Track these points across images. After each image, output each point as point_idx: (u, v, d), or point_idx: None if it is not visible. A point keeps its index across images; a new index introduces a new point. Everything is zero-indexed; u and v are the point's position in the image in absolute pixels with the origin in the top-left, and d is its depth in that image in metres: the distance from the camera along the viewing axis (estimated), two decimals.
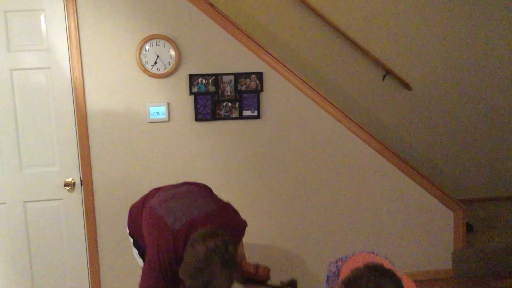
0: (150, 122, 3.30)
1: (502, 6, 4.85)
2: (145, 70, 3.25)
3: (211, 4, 3.30)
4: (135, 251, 2.51)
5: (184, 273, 1.99)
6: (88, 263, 3.35)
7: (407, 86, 4.75)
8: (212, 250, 1.97)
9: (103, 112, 3.25)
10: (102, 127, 3.26)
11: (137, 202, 2.56)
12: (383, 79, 4.72)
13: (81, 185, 3.28)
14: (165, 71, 3.26)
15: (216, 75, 3.31)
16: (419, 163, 4.66)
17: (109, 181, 3.30)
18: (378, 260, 2.03)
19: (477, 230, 4.21)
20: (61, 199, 3.28)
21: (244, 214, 3.46)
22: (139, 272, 3.37)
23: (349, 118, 3.50)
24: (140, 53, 3.22)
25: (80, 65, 3.19)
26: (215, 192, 2.61)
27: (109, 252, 3.37)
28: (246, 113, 3.39)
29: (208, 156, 3.40)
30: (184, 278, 2.00)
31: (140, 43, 3.22)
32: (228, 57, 3.32)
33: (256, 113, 3.39)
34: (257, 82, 3.35)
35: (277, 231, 3.56)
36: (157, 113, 3.29)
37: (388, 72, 4.68)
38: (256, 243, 3.54)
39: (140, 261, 2.47)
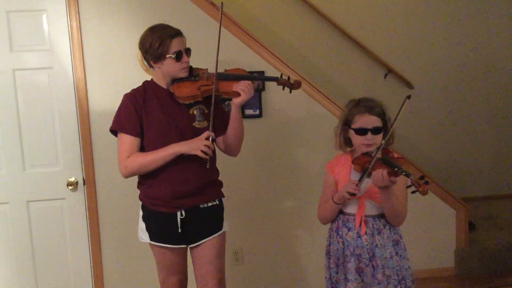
0: None
1: (505, 4, 4.84)
2: (147, 70, 3.25)
3: (212, 4, 3.30)
4: (142, 225, 2.51)
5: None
6: (91, 262, 3.36)
7: (408, 85, 4.75)
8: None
9: (106, 112, 3.25)
10: (104, 126, 3.24)
11: None
12: (385, 78, 4.72)
13: (84, 184, 3.29)
14: None
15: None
16: (421, 161, 4.66)
17: (112, 181, 3.31)
18: None
19: (480, 228, 4.20)
20: (64, 198, 3.29)
21: (245, 212, 3.48)
22: (142, 271, 3.40)
23: None
24: None
25: (82, 65, 3.20)
26: None
27: (112, 251, 3.38)
28: (248, 112, 3.40)
29: None
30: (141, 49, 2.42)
31: None
32: (230, 56, 3.32)
33: (258, 112, 3.40)
34: (259, 81, 3.35)
35: (279, 229, 3.56)
36: None
37: (389, 71, 4.68)
38: (257, 240, 3.55)
39: (145, 237, 2.49)
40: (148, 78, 3.20)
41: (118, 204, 3.34)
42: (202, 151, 2.29)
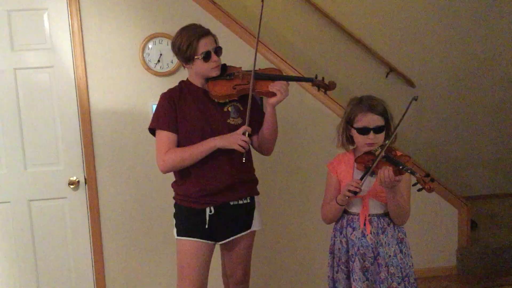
0: None
1: (507, 1, 4.83)
2: (148, 69, 3.25)
3: (214, 2, 3.29)
4: (173, 223, 2.57)
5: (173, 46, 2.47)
6: (92, 261, 3.36)
7: (410, 83, 4.74)
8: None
9: (107, 111, 3.26)
10: (105, 125, 3.27)
11: None
12: (387, 76, 4.71)
13: (85, 183, 3.28)
14: (168, 69, 3.26)
15: None
16: (422, 160, 4.65)
17: (113, 180, 3.31)
18: None
19: (482, 227, 4.20)
20: (66, 197, 3.29)
21: None
22: (143, 270, 3.40)
23: None
24: (143, 51, 3.23)
25: (83, 64, 3.19)
26: None
27: (113, 250, 3.38)
28: None
29: None
30: (174, 49, 2.46)
31: (143, 41, 3.22)
32: (232, 55, 3.31)
33: None
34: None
35: (280, 228, 3.56)
36: None
37: (391, 69, 4.67)
38: (259, 239, 3.54)
39: (174, 232, 2.55)
40: (149, 77, 3.25)
41: (120, 203, 3.34)
42: (239, 145, 2.33)
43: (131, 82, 3.26)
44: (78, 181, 3.27)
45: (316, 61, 4.56)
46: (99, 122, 3.25)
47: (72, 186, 3.25)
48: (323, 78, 2.56)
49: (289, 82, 2.52)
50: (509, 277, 3.72)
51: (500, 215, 4.53)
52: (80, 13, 3.16)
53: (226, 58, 3.32)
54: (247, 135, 2.36)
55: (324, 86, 2.55)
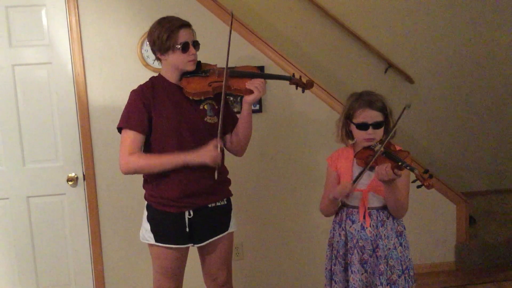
0: None
1: None
2: (146, 65, 3.24)
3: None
4: (146, 226, 2.49)
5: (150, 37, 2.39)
6: (91, 258, 3.36)
7: (409, 79, 4.74)
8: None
9: (105, 107, 3.25)
10: (104, 121, 3.26)
11: None
12: (385, 72, 4.71)
13: (84, 180, 3.28)
14: None
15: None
16: (421, 156, 4.66)
17: (112, 176, 3.31)
18: None
19: (480, 223, 4.21)
20: (64, 194, 3.29)
21: (245, 208, 3.48)
22: (142, 266, 3.40)
23: None
24: (141, 47, 3.22)
25: (81, 60, 3.19)
26: None
27: (112, 247, 3.38)
28: None
29: None
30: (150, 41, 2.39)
31: (141, 37, 3.21)
32: (230, 50, 3.31)
33: (257, 107, 3.39)
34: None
35: (279, 224, 3.56)
36: None
37: (390, 65, 4.67)
38: (257, 235, 3.55)
39: (149, 238, 2.46)
40: (148, 73, 3.23)
41: (118, 199, 3.34)
42: (212, 158, 2.27)
43: (130, 78, 3.25)
44: (77, 178, 3.27)
45: (315, 57, 4.56)
46: (97, 118, 3.25)
47: (70, 183, 3.25)
48: (300, 77, 2.53)
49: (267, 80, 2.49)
50: (507, 272, 3.73)
51: (498, 211, 4.54)
52: (78, 9, 3.15)
53: (223, 54, 3.32)
54: (219, 149, 2.28)
55: (302, 85, 2.50)
